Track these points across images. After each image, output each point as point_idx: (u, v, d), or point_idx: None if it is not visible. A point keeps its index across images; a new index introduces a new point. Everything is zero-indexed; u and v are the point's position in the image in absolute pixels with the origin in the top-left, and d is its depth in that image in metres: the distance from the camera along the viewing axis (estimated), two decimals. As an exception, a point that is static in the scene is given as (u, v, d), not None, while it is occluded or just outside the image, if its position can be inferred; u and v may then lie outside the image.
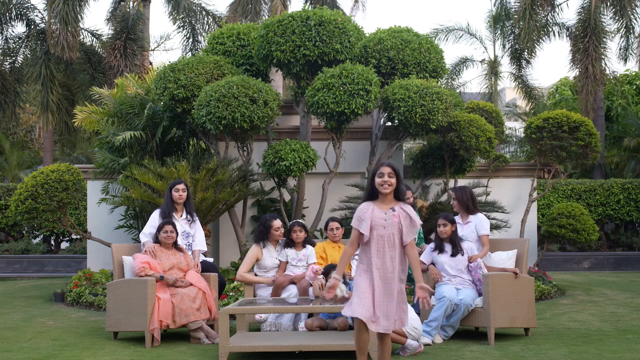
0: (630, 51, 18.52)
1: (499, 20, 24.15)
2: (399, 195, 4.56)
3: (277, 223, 7.13)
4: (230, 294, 8.23)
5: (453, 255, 6.59)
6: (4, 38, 18.70)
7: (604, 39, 17.49)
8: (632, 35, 18.36)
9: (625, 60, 18.75)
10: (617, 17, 18.18)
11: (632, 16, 18.05)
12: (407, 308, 4.54)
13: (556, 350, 5.90)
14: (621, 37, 18.57)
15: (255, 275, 7.15)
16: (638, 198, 14.97)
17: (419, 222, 4.54)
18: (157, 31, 67.77)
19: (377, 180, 4.50)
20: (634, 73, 22.53)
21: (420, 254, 7.07)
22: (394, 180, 4.50)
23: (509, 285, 6.46)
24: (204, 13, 20.81)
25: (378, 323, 4.42)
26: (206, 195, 8.96)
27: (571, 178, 18.88)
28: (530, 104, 23.23)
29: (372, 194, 4.57)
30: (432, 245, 6.76)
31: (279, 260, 7.12)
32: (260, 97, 8.91)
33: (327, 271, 6.54)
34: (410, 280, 7.98)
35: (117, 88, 10.71)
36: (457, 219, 7.00)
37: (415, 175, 10.69)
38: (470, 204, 7.11)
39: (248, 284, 7.06)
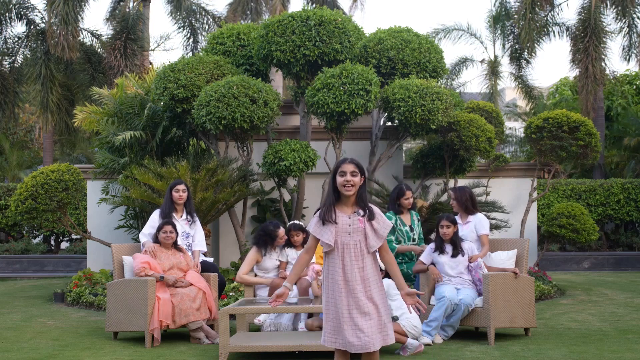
0: (633, 50, 18.48)
1: (499, 20, 24.14)
2: (362, 201, 3.94)
3: (282, 232, 7.13)
4: (230, 294, 8.23)
5: (454, 256, 6.59)
6: (3, 38, 18.67)
7: (604, 39, 17.46)
8: (634, 35, 18.31)
9: (628, 60, 18.68)
10: (619, 17, 18.13)
11: (634, 15, 18.02)
12: (390, 322, 3.99)
13: (556, 350, 5.90)
14: (624, 36, 18.50)
15: (256, 275, 7.17)
16: (638, 198, 14.96)
17: (387, 224, 3.96)
18: (157, 31, 67.85)
19: (339, 179, 3.90)
20: (634, 73, 22.51)
21: (420, 254, 7.08)
22: (357, 180, 3.90)
23: (509, 285, 6.46)
24: (203, 13, 20.84)
25: (354, 343, 3.87)
26: (206, 195, 8.96)
27: (571, 178, 18.86)
28: (530, 104, 23.23)
29: (333, 195, 3.95)
30: (432, 245, 6.75)
31: (279, 260, 7.13)
32: (260, 97, 8.91)
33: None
34: (410, 280, 7.98)
35: (117, 88, 10.71)
36: (457, 219, 7.00)
37: (415, 175, 10.69)
38: (469, 204, 7.13)
39: (248, 285, 7.07)
